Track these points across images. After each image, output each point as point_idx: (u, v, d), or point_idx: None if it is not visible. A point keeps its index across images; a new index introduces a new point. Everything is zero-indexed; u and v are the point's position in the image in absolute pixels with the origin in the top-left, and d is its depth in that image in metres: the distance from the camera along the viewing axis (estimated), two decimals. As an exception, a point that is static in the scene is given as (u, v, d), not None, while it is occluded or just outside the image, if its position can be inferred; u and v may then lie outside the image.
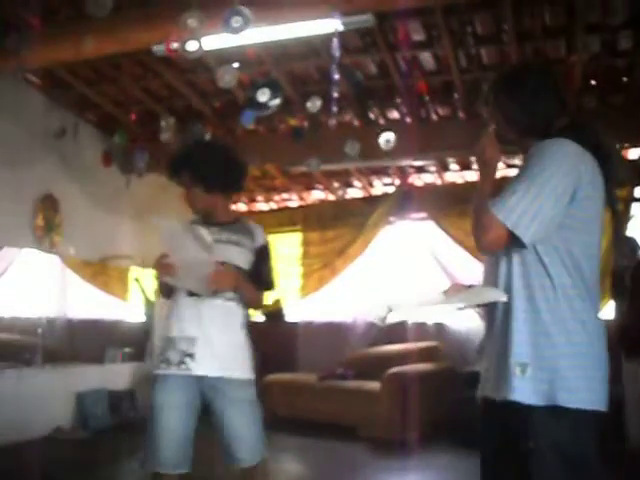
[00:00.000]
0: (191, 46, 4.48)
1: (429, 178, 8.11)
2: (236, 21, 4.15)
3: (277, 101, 5.07)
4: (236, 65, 5.06)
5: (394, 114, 6.76)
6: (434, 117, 6.68)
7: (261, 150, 6.72)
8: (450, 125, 6.49)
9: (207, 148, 3.06)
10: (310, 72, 6.19)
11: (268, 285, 3.00)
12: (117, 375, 7.42)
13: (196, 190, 2.94)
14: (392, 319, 2.08)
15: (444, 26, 5.15)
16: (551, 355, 1.84)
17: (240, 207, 9.71)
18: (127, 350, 7.69)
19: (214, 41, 4.73)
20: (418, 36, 5.49)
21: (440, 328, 7.69)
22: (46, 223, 6.55)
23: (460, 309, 2.10)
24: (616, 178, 1.97)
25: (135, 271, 7.81)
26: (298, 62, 6.01)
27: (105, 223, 7.38)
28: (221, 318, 2.78)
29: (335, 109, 5.01)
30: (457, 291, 2.11)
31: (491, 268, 2.03)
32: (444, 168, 7.75)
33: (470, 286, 2.12)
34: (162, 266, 2.76)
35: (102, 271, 7.35)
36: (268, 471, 2.89)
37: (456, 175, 7.96)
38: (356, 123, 6.92)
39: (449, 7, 4.98)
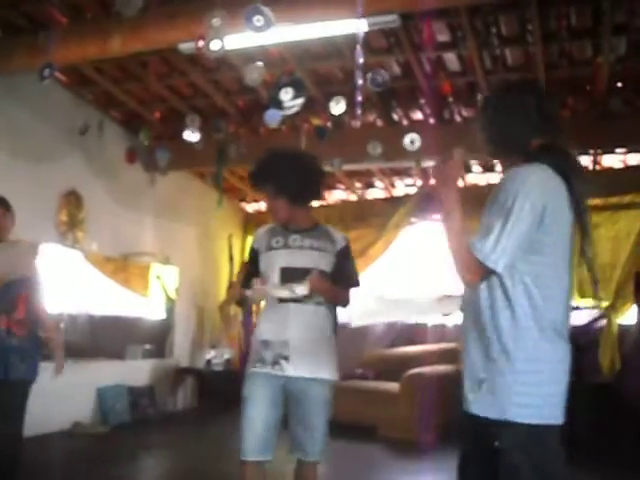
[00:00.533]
0: (215, 45, 4.49)
1: (451, 179, 8.08)
2: (258, 20, 4.16)
3: (301, 100, 5.07)
4: (259, 63, 5.07)
5: (417, 115, 6.75)
6: (458, 118, 6.66)
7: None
8: (474, 126, 6.44)
9: (292, 160, 3.09)
10: (334, 72, 6.19)
11: (354, 283, 3.12)
12: (137, 371, 7.48)
13: (281, 201, 3.02)
14: (367, 322, 2.25)
15: (469, 27, 5.13)
16: (508, 372, 1.94)
17: (262, 206, 9.74)
18: (147, 347, 7.74)
19: (239, 40, 4.74)
20: (443, 37, 5.48)
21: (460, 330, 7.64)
22: (70, 219, 6.61)
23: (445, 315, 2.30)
24: (582, 197, 2.05)
25: (156, 268, 7.86)
26: (322, 62, 6.01)
27: (128, 220, 7.44)
28: (311, 322, 2.95)
29: (359, 110, 5.00)
30: (441, 301, 2.31)
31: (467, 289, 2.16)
32: (466, 170, 7.71)
33: (450, 297, 2.27)
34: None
35: (124, 267, 7.40)
36: (319, 471, 3.06)
37: (479, 177, 7.93)
38: (379, 123, 6.92)
39: (474, 8, 4.96)
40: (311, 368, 2.91)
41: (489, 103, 2.24)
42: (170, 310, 8.12)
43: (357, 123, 6.26)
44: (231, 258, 9.04)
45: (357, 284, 3.12)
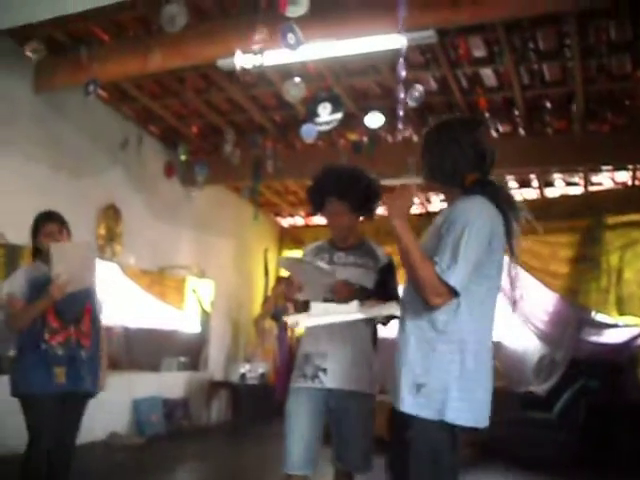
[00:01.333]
0: (255, 61, 4.55)
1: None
2: (291, 38, 4.21)
3: (339, 116, 5.10)
4: (298, 80, 5.11)
5: (453, 130, 6.71)
6: (494, 134, 6.62)
7: (320, 164, 6.74)
8: (510, 142, 6.42)
9: (361, 177, 3.19)
10: (371, 87, 6.20)
11: (397, 298, 3.11)
12: (172, 383, 7.54)
13: (353, 216, 3.17)
14: (304, 324, 2.56)
15: (506, 42, 5.11)
16: (445, 378, 2.15)
17: (298, 221, 9.79)
18: (182, 359, 7.80)
19: (277, 56, 4.79)
20: (479, 52, 5.46)
21: (497, 347, 7.55)
22: (108, 232, 6.71)
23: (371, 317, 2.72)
24: (513, 224, 2.29)
25: (192, 281, 7.93)
26: (359, 77, 6.03)
27: (164, 233, 7.52)
28: (349, 334, 2.98)
29: (399, 125, 5.01)
30: (371, 306, 2.61)
31: (408, 296, 2.36)
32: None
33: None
34: (289, 284, 2.99)
35: (160, 281, 7.48)
36: None
37: (514, 192, 7.85)
38: (415, 139, 6.91)
39: (511, 23, 4.94)
40: (348, 381, 2.95)
41: (429, 137, 2.43)
42: (205, 323, 8.17)
43: (393, 137, 6.24)
44: (267, 272, 9.08)
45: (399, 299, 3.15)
